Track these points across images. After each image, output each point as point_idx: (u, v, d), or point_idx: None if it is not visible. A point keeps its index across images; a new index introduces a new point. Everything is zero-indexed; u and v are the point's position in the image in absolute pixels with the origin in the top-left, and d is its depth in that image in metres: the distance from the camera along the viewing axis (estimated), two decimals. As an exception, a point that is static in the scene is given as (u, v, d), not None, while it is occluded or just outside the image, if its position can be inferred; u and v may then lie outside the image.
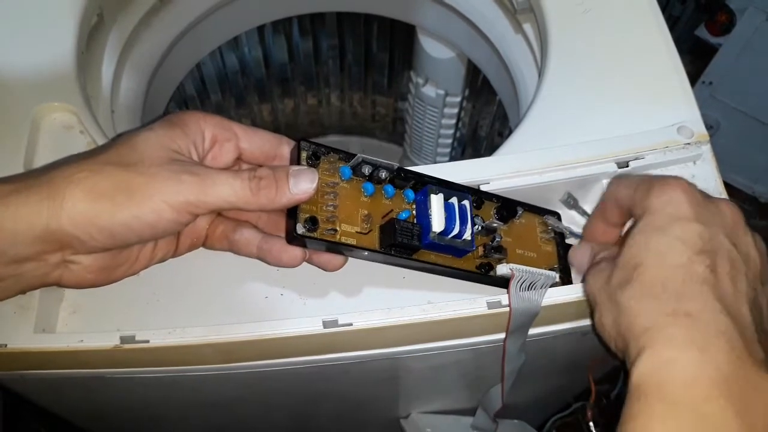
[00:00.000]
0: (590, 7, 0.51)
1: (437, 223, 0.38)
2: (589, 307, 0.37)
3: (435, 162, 1.06)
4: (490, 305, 0.38)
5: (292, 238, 0.36)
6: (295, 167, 0.36)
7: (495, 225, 0.41)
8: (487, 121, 0.96)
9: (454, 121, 0.98)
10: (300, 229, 0.35)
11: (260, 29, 0.87)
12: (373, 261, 0.39)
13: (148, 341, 0.37)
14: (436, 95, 0.93)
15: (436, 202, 0.38)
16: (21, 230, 0.33)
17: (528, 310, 0.39)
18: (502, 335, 0.41)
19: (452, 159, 1.07)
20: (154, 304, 0.39)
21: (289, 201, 0.35)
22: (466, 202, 0.39)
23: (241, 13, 0.76)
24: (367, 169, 0.38)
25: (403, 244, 0.37)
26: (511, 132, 0.47)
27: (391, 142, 1.15)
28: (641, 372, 0.31)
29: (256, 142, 0.39)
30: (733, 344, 0.30)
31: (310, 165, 0.37)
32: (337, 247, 0.37)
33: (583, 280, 0.38)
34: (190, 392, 0.49)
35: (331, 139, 1.14)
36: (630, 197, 0.37)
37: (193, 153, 0.37)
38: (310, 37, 0.93)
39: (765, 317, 0.34)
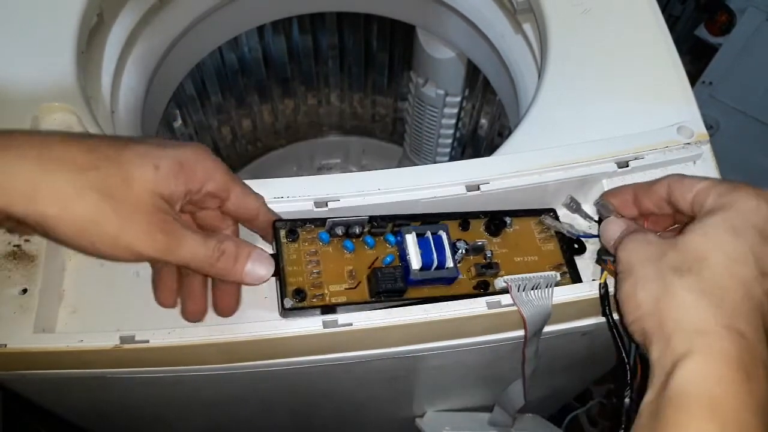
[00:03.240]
0: (590, 7, 0.51)
1: (415, 261, 0.39)
2: (615, 273, 0.36)
3: (435, 162, 1.06)
4: (489, 305, 0.38)
5: (283, 311, 0.37)
6: (257, 252, 0.36)
7: (480, 243, 0.41)
8: (487, 121, 0.96)
9: (454, 121, 0.98)
10: (288, 303, 0.37)
11: (260, 29, 0.87)
12: (370, 311, 0.39)
13: (147, 341, 0.37)
14: (436, 95, 0.93)
15: (410, 240, 0.39)
16: None
17: (540, 315, 0.39)
18: (504, 335, 0.41)
19: (452, 159, 1.06)
20: (154, 304, 0.39)
21: (241, 281, 0.36)
22: (441, 233, 0.40)
23: (241, 13, 0.76)
24: (340, 230, 0.39)
25: (389, 290, 0.38)
26: (511, 132, 0.47)
27: (391, 142, 1.15)
28: (691, 380, 0.30)
29: (244, 206, 0.38)
30: None
31: (289, 241, 0.39)
32: (329, 309, 0.38)
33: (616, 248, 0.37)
34: (191, 392, 0.49)
35: (331, 139, 1.14)
36: (698, 189, 0.36)
37: (182, 200, 0.36)
38: (310, 36, 0.93)
39: None
